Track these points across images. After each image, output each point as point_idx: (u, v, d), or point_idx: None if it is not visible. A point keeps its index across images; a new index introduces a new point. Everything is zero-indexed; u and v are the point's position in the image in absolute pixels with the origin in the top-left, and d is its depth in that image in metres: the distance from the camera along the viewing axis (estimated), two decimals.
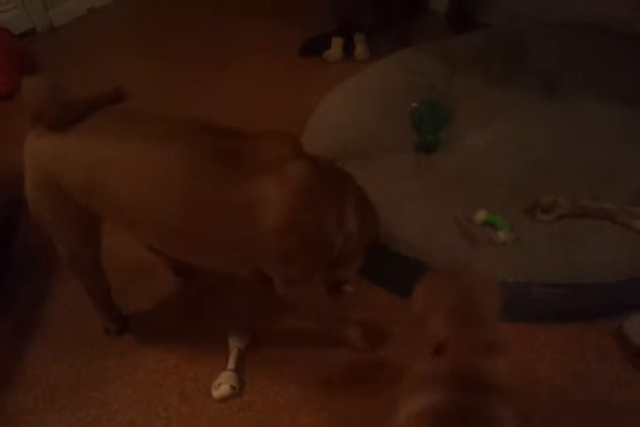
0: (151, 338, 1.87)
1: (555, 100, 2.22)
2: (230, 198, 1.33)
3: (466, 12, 3.04)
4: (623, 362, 1.62)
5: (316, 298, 1.60)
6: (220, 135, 1.40)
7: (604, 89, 2.17)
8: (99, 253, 1.68)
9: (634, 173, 1.88)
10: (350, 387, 1.67)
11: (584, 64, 2.32)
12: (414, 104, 2.31)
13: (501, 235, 1.78)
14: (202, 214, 1.36)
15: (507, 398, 1.06)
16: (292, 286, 1.49)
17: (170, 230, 1.41)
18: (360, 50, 2.95)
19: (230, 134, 1.42)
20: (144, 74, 3.19)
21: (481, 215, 1.84)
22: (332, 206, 1.41)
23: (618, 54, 2.32)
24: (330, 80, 2.74)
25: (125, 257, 2.04)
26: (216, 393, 1.66)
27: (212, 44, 3.33)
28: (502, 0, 2.93)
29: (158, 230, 1.44)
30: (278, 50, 3.17)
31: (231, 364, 1.72)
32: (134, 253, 1.97)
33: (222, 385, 1.66)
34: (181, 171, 1.34)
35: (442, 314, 1.12)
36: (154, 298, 1.99)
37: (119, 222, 1.51)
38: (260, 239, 1.36)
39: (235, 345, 1.76)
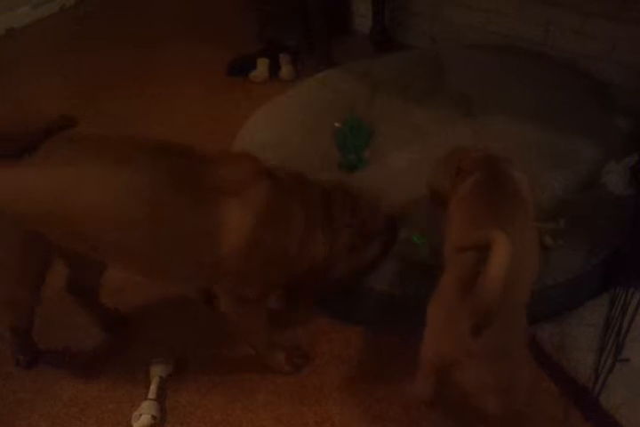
0: (70, 369, 1.80)
1: (471, 118, 2.28)
2: (191, 223, 1.34)
3: (388, 34, 3.11)
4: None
5: (257, 318, 1.58)
6: (179, 157, 1.38)
7: (517, 106, 2.25)
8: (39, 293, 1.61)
9: (547, 187, 1.94)
10: (275, 412, 1.65)
11: (498, 83, 2.40)
12: (337, 124, 2.33)
13: (422, 252, 1.81)
14: (163, 238, 1.35)
15: None
16: (242, 304, 1.50)
17: (131, 253, 1.40)
18: (285, 70, 2.98)
19: (188, 156, 1.40)
20: (64, 97, 3.11)
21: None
22: (295, 224, 1.42)
23: (530, 73, 2.41)
24: (256, 100, 2.75)
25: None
26: (136, 424, 1.61)
27: (136, 66, 3.29)
28: (422, 22, 3.01)
29: (121, 253, 1.43)
30: (204, 71, 3.16)
31: (152, 393, 1.67)
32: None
33: (143, 415, 1.61)
34: (140, 197, 1.32)
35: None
36: (72, 328, 1.92)
37: (80, 247, 1.46)
38: (222, 261, 1.37)
39: (156, 374, 1.71)
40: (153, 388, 1.68)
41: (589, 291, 1.70)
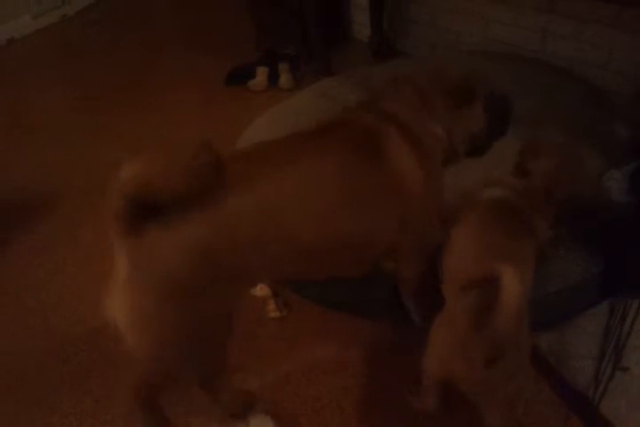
0: (67, 379, 1.79)
1: None
2: (378, 186, 1.38)
3: (387, 42, 3.11)
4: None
5: (430, 278, 1.54)
6: (334, 135, 1.39)
7: (515, 114, 2.24)
8: None
9: None
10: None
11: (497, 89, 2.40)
12: None
13: None
14: (356, 213, 1.37)
15: None
16: (423, 260, 1.51)
17: (327, 247, 1.38)
18: (284, 79, 2.98)
19: (335, 131, 1.41)
20: (63, 106, 3.13)
21: None
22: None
23: (528, 80, 2.40)
24: (255, 109, 2.76)
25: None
26: None
27: (136, 75, 3.31)
28: (421, 30, 3.01)
29: (317, 253, 1.38)
30: (204, 79, 3.17)
31: None
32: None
33: None
34: (334, 180, 1.34)
35: None
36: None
37: (281, 267, 1.39)
38: (408, 212, 1.41)
39: None
40: None
41: (589, 300, 1.68)
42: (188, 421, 1.62)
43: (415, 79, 1.54)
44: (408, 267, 1.56)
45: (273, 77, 3.00)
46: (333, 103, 2.53)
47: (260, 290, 1.85)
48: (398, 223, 1.43)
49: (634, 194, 1.89)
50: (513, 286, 1.08)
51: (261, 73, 3.00)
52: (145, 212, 1.14)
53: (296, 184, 1.30)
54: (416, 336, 1.35)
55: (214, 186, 1.18)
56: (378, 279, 1.70)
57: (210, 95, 3.03)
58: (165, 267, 1.18)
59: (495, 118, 1.65)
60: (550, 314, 1.65)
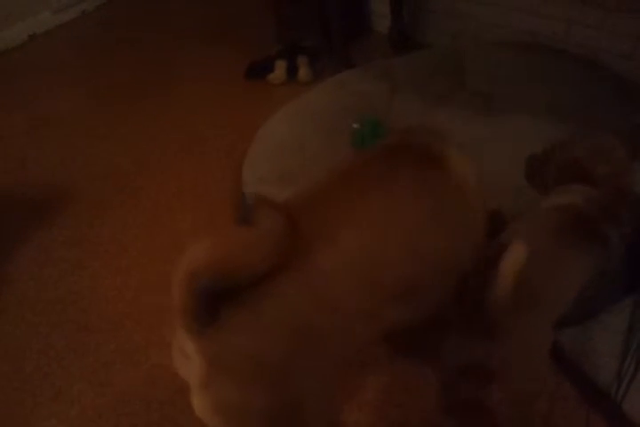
0: (87, 373, 1.81)
1: (491, 117, 2.24)
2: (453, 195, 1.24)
3: (407, 33, 3.07)
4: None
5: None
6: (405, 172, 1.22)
7: (537, 105, 2.21)
8: None
9: None
10: None
11: (519, 81, 2.36)
12: (355, 125, 2.32)
13: None
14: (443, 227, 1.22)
15: None
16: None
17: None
18: (303, 72, 2.96)
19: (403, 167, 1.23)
20: (84, 100, 3.14)
21: None
22: None
23: (551, 71, 2.36)
24: (274, 102, 2.74)
25: None
26: None
27: (155, 69, 3.31)
28: (441, 21, 2.97)
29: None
30: (222, 73, 3.16)
31: None
32: None
33: None
34: (411, 202, 1.19)
35: None
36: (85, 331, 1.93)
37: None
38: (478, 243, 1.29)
39: None
40: None
41: (614, 296, 1.65)
42: None
43: None
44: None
45: (292, 71, 2.99)
46: (353, 96, 2.52)
47: None
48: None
49: None
50: (516, 255, 1.07)
51: (280, 66, 2.99)
52: (217, 300, 0.97)
53: (376, 221, 1.14)
54: None
55: (291, 249, 1.01)
56: None
57: (229, 88, 3.03)
58: (252, 356, 1.01)
59: None
60: (574, 311, 1.62)
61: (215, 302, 0.96)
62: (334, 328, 1.08)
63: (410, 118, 2.36)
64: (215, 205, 2.33)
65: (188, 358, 1.01)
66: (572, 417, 1.49)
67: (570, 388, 1.50)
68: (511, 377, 1.21)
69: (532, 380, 1.23)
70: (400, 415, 1.58)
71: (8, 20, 3.68)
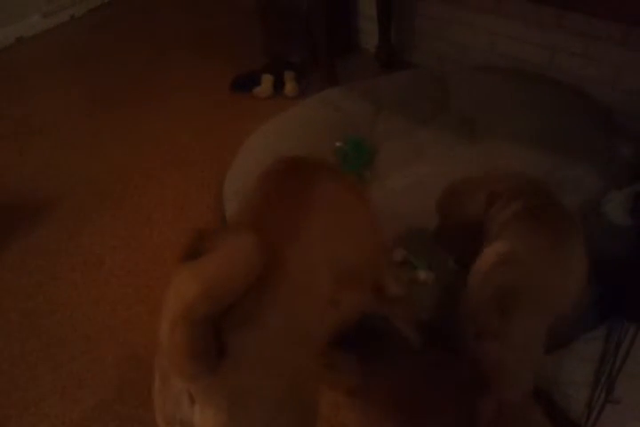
0: (58, 387, 1.79)
1: (474, 141, 2.27)
2: None
3: (394, 52, 3.10)
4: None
5: None
6: None
7: (520, 131, 2.23)
8: None
9: None
10: None
11: (503, 107, 2.37)
12: (338, 143, 2.33)
13: (421, 274, 1.79)
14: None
15: None
16: None
17: None
18: (290, 87, 2.97)
19: None
20: (68, 106, 3.13)
21: (398, 254, 1.85)
22: None
23: (535, 97, 2.38)
24: (259, 116, 2.74)
25: None
26: None
27: (141, 78, 3.30)
28: (428, 42, 3.00)
29: None
30: (208, 84, 3.16)
31: None
32: None
33: None
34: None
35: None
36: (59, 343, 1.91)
37: None
38: None
39: None
40: None
41: (587, 324, 1.67)
42: None
43: None
44: None
45: (278, 85, 2.99)
46: (337, 113, 2.53)
47: None
48: None
49: (636, 216, 1.87)
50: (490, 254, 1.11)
51: (266, 80, 2.99)
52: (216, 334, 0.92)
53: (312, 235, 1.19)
54: None
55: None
56: None
57: (214, 100, 3.02)
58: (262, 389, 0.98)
59: None
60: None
61: (215, 335, 0.92)
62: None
63: (393, 138, 2.38)
64: (196, 219, 2.32)
65: (191, 406, 0.95)
66: None
67: (541, 417, 1.52)
68: (508, 380, 1.23)
69: (527, 381, 1.25)
70: None
71: None
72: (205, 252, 0.93)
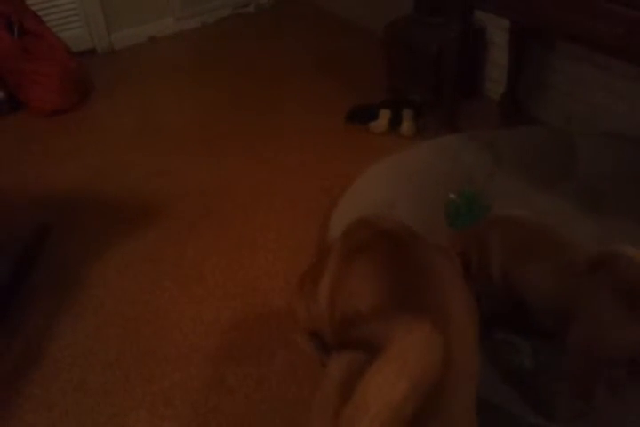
0: (147, 401, 1.83)
1: (597, 216, 2.16)
2: None
3: (520, 104, 3.03)
4: None
5: None
6: None
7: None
8: None
9: None
10: None
11: (635, 179, 2.27)
12: (452, 195, 2.30)
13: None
14: None
15: None
16: None
17: None
18: (407, 126, 2.95)
19: None
20: (190, 111, 3.26)
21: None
22: None
23: None
24: (373, 151, 2.76)
25: None
26: None
27: (261, 92, 3.39)
28: (557, 98, 2.91)
29: None
30: (324, 110, 3.18)
31: None
32: None
33: None
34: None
35: None
36: None
37: None
38: None
39: None
40: None
41: None
42: None
43: None
44: None
45: (395, 122, 2.97)
46: (453, 163, 2.49)
47: None
48: None
49: None
50: None
51: (384, 115, 2.98)
52: None
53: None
54: None
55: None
56: None
57: (328, 128, 3.03)
58: None
59: None
60: None
61: None
62: None
63: (509, 198, 2.32)
64: (298, 249, 2.32)
65: None
66: None
67: None
68: None
69: None
70: None
71: (132, 21, 3.86)
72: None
